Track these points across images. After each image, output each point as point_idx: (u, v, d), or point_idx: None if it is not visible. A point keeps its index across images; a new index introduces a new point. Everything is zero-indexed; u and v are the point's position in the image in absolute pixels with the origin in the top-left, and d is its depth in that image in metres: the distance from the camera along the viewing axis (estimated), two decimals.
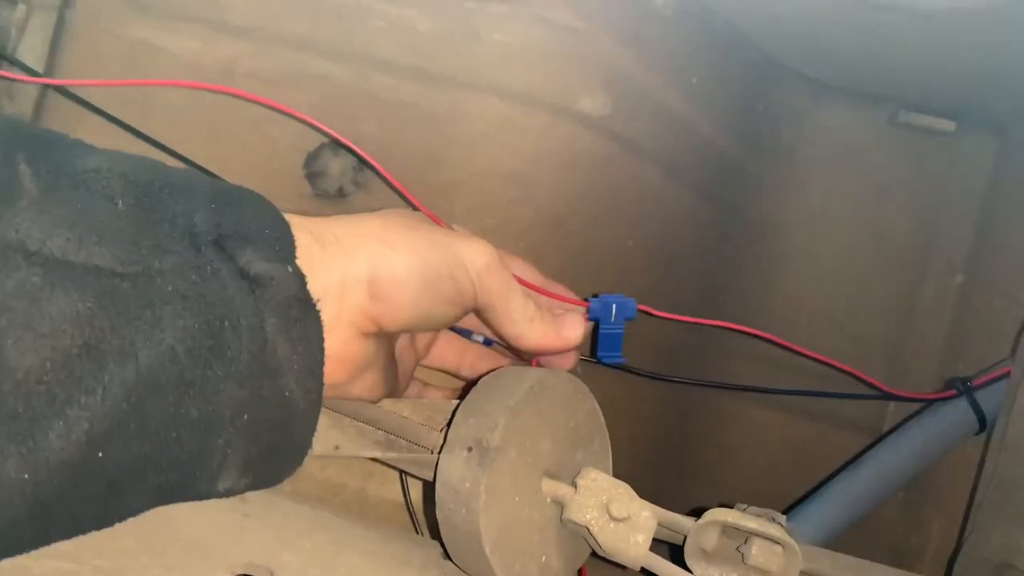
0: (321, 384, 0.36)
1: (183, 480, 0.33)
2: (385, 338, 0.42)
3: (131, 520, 0.33)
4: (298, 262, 0.35)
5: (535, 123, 0.56)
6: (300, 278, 0.35)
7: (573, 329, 0.47)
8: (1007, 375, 0.53)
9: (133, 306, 0.30)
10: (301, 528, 0.38)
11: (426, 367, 0.52)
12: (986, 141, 0.66)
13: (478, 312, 0.45)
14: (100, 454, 0.29)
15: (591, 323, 0.50)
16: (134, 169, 0.33)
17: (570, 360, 0.50)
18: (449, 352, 0.52)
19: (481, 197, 0.56)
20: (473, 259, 0.42)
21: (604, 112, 0.56)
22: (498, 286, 0.43)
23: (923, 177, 0.68)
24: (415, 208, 0.49)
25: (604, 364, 0.51)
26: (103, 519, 0.32)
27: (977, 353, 0.61)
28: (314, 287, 0.36)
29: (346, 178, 0.54)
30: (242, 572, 0.35)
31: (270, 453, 0.35)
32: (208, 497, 0.35)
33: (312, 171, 0.54)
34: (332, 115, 0.51)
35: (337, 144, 0.54)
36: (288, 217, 0.37)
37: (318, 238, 0.37)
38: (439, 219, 0.48)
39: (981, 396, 0.57)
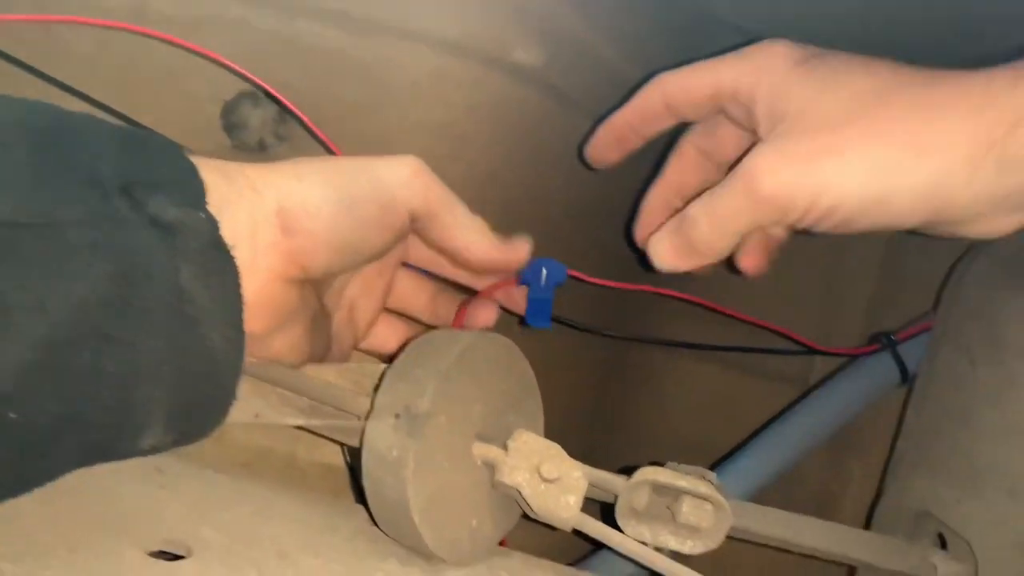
0: (242, 333, 0.35)
1: (105, 439, 0.32)
2: (311, 288, 0.40)
3: (33, 491, 0.31)
4: (209, 206, 0.34)
5: (468, 74, 0.54)
6: (213, 223, 0.34)
7: (521, 247, 0.46)
8: (929, 329, 0.54)
9: (38, 258, 0.28)
10: (221, 499, 0.36)
11: (364, 351, 0.51)
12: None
13: (418, 229, 0.43)
14: (12, 415, 0.28)
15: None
16: (30, 114, 0.32)
17: (493, 312, 0.50)
18: (391, 336, 0.51)
19: (412, 151, 0.54)
20: (396, 170, 0.40)
21: (538, 64, 0.55)
22: (435, 191, 0.41)
23: None
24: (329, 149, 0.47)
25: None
26: (19, 484, 0.31)
27: (901, 308, 0.63)
28: (226, 231, 0.34)
29: (267, 130, 0.51)
30: (157, 549, 0.34)
31: (194, 406, 0.35)
32: (132, 455, 0.34)
33: (230, 122, 0.51)
34: (252, 63, 0.49)
35: (257, 94, 0.51)
36: (197, 160, 0.35)
37: (226, 178, 0.36)
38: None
39: (904, 350, 0.59)
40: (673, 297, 0.53)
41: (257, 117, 0.51)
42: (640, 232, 0.51)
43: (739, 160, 0.40)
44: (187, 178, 0.34)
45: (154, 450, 0.34)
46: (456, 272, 0.49)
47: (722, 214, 0.40)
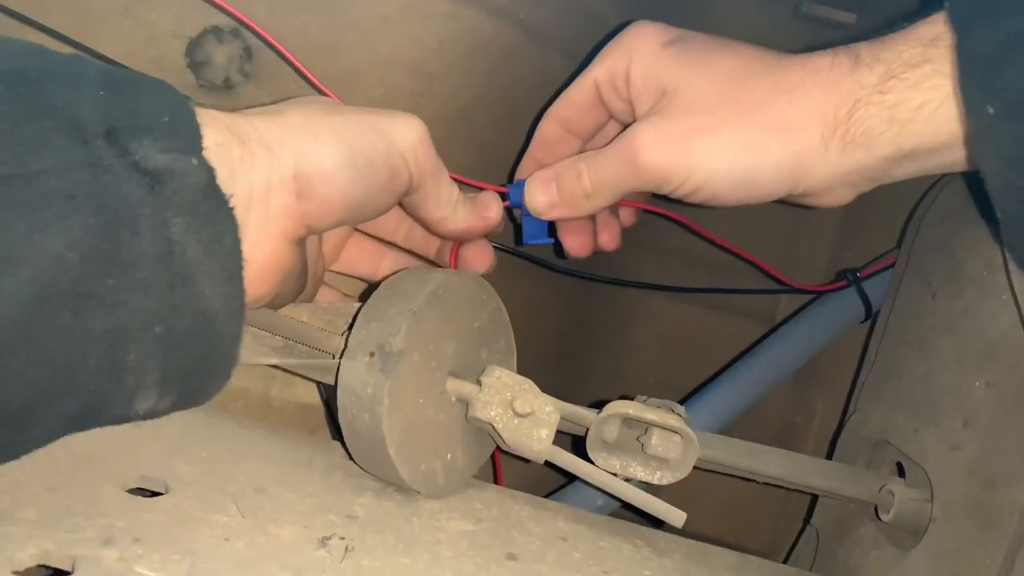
0: (242, 290, 0.33)
1: (94, 403, 0.30)
2: (304, 241, 0.39)
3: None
4: (207, 155, 0.32)
5: (438, 9, 0.53)
6: (208, 171, 0.31)
7: (492, 207, 0.46)
8: (892, 265, 0.55)
9: (7, 211, 0.26)
10: (198, 437, 0.37)
11: (337, 273, 0.51)
12: (882, 32, 0.67)
13: (405, 195, 0.43)
14: None
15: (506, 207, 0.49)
16: (5, 54, 0.29)
17: (488, 255, 0.49)
18: (362, 257, 0.50)
19: (383, 88, 0.54)
20: (405, 135, 0.39)
21: None
22: (431, 164, 0.41)
23: None
24: (322, 94, 0.47)
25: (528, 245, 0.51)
26: (3, 452, 0.29)
27: (865, 245, 0.64)
28: (238, 192, 0.33)
29: (233, 67, 0.50)
30: (135, 486, 0.34)
31: (191, 368, 0.32)
32: (127, 420, 0.32)
33: (195, 60, 0.50)
34: None
35: (222, 30, 0.50)
36: (204, 113, 0.33)
37: (236, 134, 0.34)
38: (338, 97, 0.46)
39: (868, 285, 0.60)
40: (658, 214, 0.52)
41: (223, 54, 0.50)
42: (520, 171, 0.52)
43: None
44: (179, 121, 0.32)
45: (150, 414, 0.33)
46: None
47: (604, 177, 0.44)
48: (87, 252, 0.28)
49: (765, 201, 0.42)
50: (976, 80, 0.33)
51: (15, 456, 0.30)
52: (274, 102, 0.45)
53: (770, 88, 0.40)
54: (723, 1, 0.67)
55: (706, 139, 0.41)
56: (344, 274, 0.51)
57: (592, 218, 0.50)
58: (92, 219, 0.28)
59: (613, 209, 0.51)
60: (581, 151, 0.50)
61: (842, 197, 0.42)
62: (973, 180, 0.43)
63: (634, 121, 0.45)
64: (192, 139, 0.32)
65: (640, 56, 0.44)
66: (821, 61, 0.40)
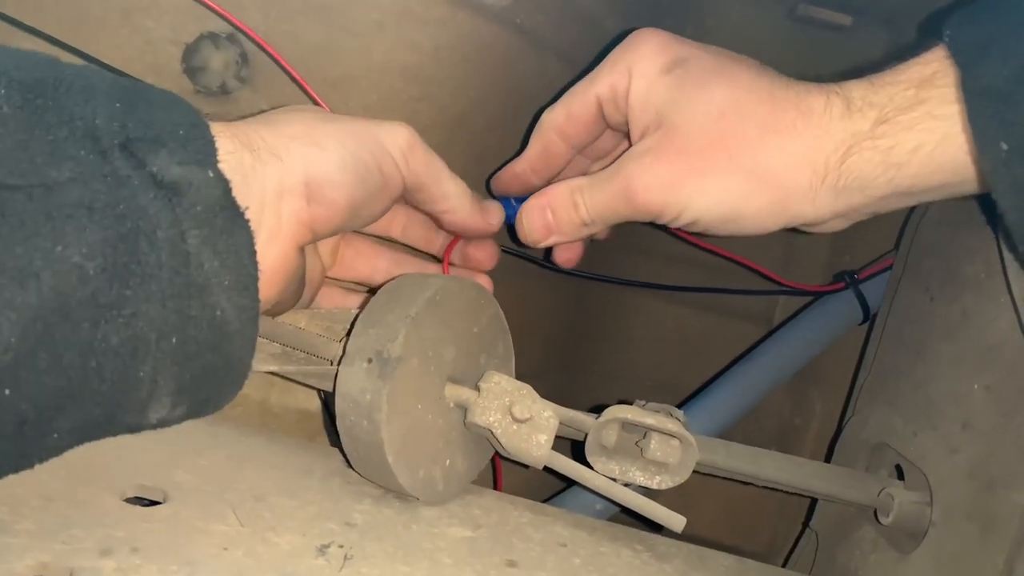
0: (256, 300, 0.33)
1: (109, 413, 0.30)
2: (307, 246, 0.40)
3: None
4: (222, 166, 0.32)
5: (434, 14, 0.53)
6: (223, 183, 0.32)
7: (495, 215, 0.48)
8: (890, 267, 0.55)
9: (29, 221, 0.26)
10: (196, 445, 0.37)
11: (335, 279, 0.51)
12: (878, 34, 0.67)
13: (408, 196, 0.44)
14: (6, 391, 0.26)
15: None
16: (19, 65, 0.29)
17: (493, 254, 0.51)
18: (359, 259, 0.50)
19: (378, 94, 0.53)
20: (394, 139, 0.41)
21: (505, 3, 0.54)
22: (425, 162, 0.42)
23: (816, 74, 0.69)
24: (315, 103, 0.47)
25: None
26: (18, 461, 0.29)
27: (863, 247, 0.64)
28: (251, 199, 0.33)
29: (229, 73, 0.50)
30: (133, 495, 0.34)
31: (204, 378, 0.33)
32: (140, 429, 0.33)
33: (191, 66, 0.50)
34: (211, 3, 0.47)
35: (219, 36, 0.50)
36: (213, 125, 0.33)
37: (245, 144, 0.34)
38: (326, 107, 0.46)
39: (866, 288, 0.60)
40: (649, 228, 0.53)
41: (219, 60, 0.50)
42: (496, 185, 0.53)
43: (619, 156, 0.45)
44: (194, 134, 0.32)
45: (163, 423, 0.33)
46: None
47: (602, 209, 0.45)
48: (106, 264, 0.28)
49: (757, 234, 0.43)
50: (987, 116, 0.33)
51: (28, 466, 0.30)
52: (272, 107, 0.45)
53: (760, 128, 0.40)
54: (719, 3, 0.67)
55: (697, 181, 0.41)
56: (343, 279, 0.51)
57: None
58: (111, 231, 0.28)
59: None
60: (573, 159, 0.51)
61: (836, 227, 0.43)
62: (986, 209, 0.43)
63: (628, 138, 0.46)
64: (207, 152, 0.32)
65: (639, 78, 0.44)
66: (815, 102, 0.39)
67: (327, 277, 0.49)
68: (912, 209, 0.52)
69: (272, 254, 0.35)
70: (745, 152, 0.40)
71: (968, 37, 0.34)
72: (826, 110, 0.39)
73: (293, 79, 0.47)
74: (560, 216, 0.46)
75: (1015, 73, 0.32)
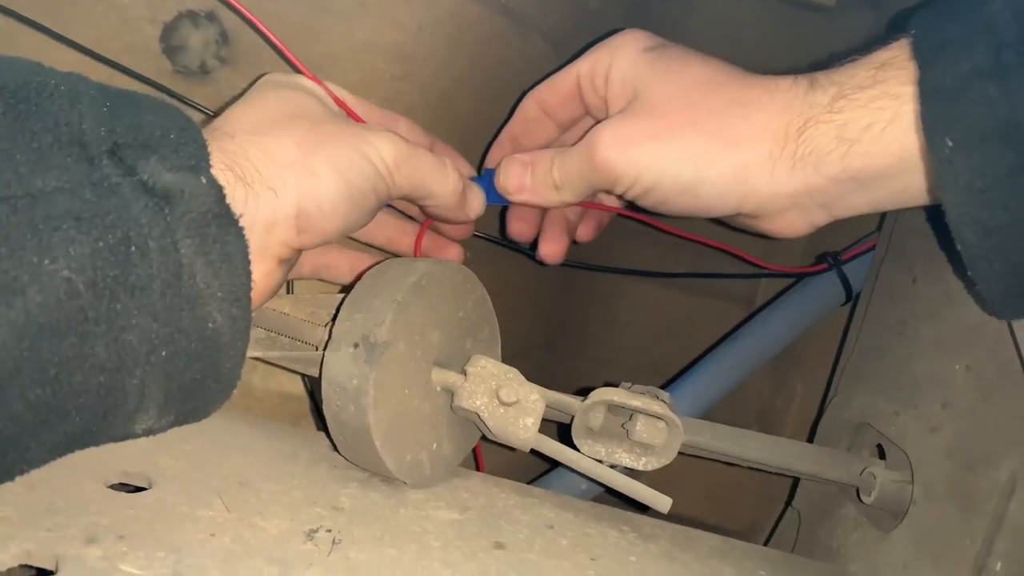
0: (248, 311, 0.33)
1: (94, 425, 0.30)
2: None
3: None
4: (214, 172, 0.31)
5: None
6: (217, 189, 0.31)
7: (476, 206, 0.48)
8: (873, 248, 0.55)
9: (14, 234, 0.25)
10: (180, 430, 0.36)
11: (324, 280, 0.51)
12: (863, 15, 0.67)
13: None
14: None
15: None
16: (2, 71, 0.28)
17: (466, 230, 0.52)
18: (343, 259, 0.50)
19: (361, 73, 0.53)
20: (382, 156, 0.40)
21: None
22: (410, 175, 0.42)
23: (801, 54, 0.69)
24: (296, 69, 0.46)
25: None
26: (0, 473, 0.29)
27: (841, 232, 0.64)
28: (244, 227, 0.32)
29: (209, 52, 0.49)
30: (117, 482, 0.34)
31: (194, 389, 0.32)
32: (126, 439, 0.32)
33: (170, 45, 0.49)
34: None
35: (197, 14, 0.49)
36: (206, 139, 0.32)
37: (239, 176, 0.34)
38: (318, 79, 0.45)
39: (849, 269, 0.60)
40: (629, 218, 0.53)
41: (198, 39, 0.49)
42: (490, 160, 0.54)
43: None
44: (185, 138, 0.31)
45: (149, 433, 0.32)
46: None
47: (570, 171, 0.45)
48: (95, 277, 0.27)
49: (714, 214, 0.43)
50: (936, 113, 0.34)
51: (9, 479, 0.29)
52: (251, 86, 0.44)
53: (728, 100, 0.41)
54: None
55: (657, 142, 0.41)
56: (327, 280, 0.50)
57: (567, 226, 0.52)
58: (100, 242, 0.27)
59: (585, 212, 0.54)
60: (556, 139, 0.51)
61: (795, 225, 0.43)
62: (934, 217, 0.44)
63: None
64: (199, 157, 0.31)
65: (621, 57, 0.44)
66: (782, 82, 0.41)
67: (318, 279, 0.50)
68: None
69: (259, 271, 0.34)
70: (709, 119, 0.41)
71: (929, 36, 0.35)
72: (792, 87, 0.40)
73: (280, 53, 0.46)
74: (536, 176, 0.47)
75: (964, 74, 0.33)
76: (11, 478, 0.29)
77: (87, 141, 0.28)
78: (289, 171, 0.36)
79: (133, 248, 0.28)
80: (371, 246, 0.52)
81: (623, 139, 0.42)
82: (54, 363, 0.27)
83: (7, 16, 0.46)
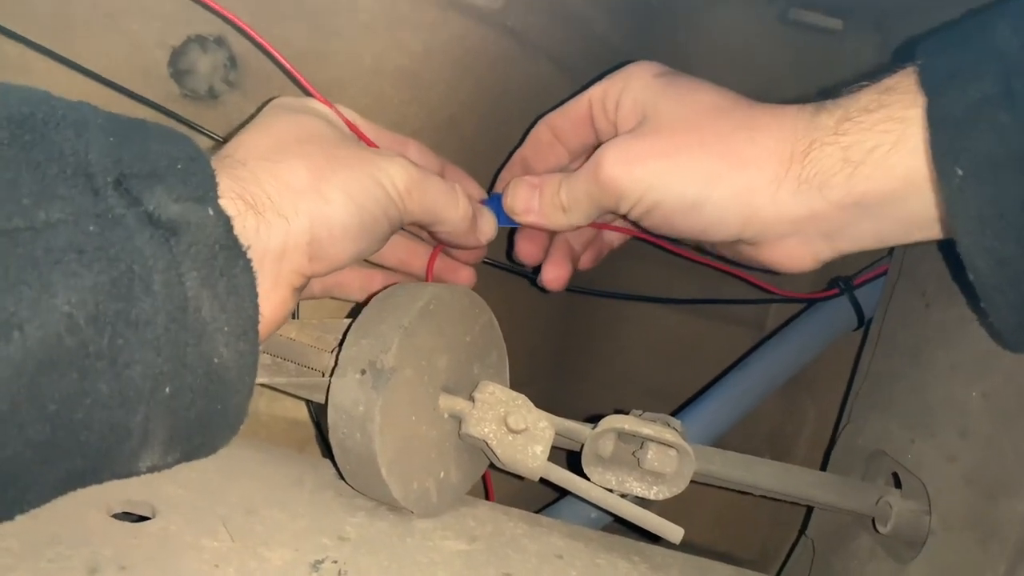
0: (256, 346, 0.32)
1: (96, 463, 0.29)
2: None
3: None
4: (222, 202, 0.31)
5: (424, 17, 0.52)
6: (224, 220, 0.31)
7: (487, 231, 0.48)
8: (885, 273, 0.55)
9: (14, 268, 0.25)
10: None
11: (335, 299, 0.51)
12: (869, 38, 0.67)
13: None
14: None
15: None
16: (6, 100, 0.28)
17: (477, 253, 0.52)
18: (353, 276, 0.50)
19: (369, 98, 0.53)
20: (394, 182, 0.40)
21: (496, 6, 0.53)
22: (421, 200, 0.42)
23: (807, 77, 0.68)
24: (307, 92, 0.46)
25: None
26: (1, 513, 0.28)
27: (853, 256, 0.63)
28: (256, 258, 0.32)
29: (217, 76, 0.49)
30: (121, 511, 0.33)
31: (199, 425, 0.31)
32: (129, 476, 0.31)
33: (179, 69, 0.49)
34: (198, 9, 0.46)
35: (206, 39, 0.49)
36: (215, 168, 0.32)
37: (250, 204, 0.33)
38: (328, 101, 0.45)
39: (860, 294, 0.60)
40: (640, 239, 0.53)
41: (207, 63, 0.49)
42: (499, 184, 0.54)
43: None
44: (193, 168, 0.30)
45: (153, 470, 0.32)
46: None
47: (577, 192, 0.45)
48: (97, 312, 0.26)
49: (716, 238, 0.43)
50: (945, 143, 0.34)
51: (10, 517, 0.28)
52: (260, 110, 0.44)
53: (735, 124, 0.41)
54: (711, 7, 0.67)
55: (663, 161, 0.41)
56: (338, 298, 0.50)
57: (571, 253, 0.52)
58: (103, 276, 0.27)
59: (591, 237, 0.54)
60: (566, 165, 0.51)
61: (797, 254, 0.42)
62: (946, 247, 0.44)
63: None
64: (207, 187, 0.31)
65: (633, 82, 0.45)
66: (789, 109, 0.41)
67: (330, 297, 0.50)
68: None
69: (272, 303, 0.34)
70: (716, 141, 0.41)
71: (937, 64, 0.35)
72: (798, 113, 0.40)
73: (291, 78, 0.46)
74: (544, 198, 0.47)
75: (974, 102, 0.33)
76: (11, 517, 0.28)
77: (93, 171, 0.28)
78: (301, 198, 0.35)
79: (136, 281, 0.27)
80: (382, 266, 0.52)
81: (629, 157, 0.42)
82: (54, 400, 0.26)
83: (18, 42, 0.46)
